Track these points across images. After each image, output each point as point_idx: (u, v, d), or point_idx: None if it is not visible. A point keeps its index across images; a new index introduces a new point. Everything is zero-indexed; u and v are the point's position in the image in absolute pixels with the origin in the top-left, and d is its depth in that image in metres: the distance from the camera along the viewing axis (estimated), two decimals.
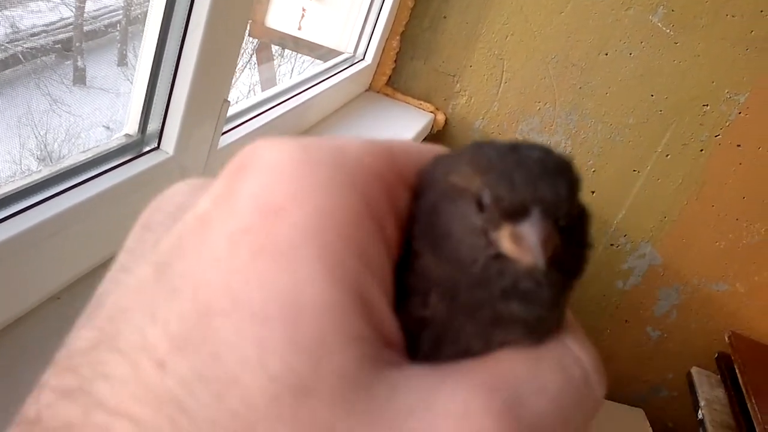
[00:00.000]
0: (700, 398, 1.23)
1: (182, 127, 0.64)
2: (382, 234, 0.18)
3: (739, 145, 1.21)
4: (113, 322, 0.17)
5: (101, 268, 0.58)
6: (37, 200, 0.51)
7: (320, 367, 0.15)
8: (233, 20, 0.65)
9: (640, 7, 1.17)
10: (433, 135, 1.31)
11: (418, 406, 0.16)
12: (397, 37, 1.28)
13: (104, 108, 1.52)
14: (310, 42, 1.27)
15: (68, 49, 1.44)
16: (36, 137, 1.42)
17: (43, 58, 1.34)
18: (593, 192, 1.30)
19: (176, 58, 0.62)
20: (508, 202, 0.17)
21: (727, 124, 1.20)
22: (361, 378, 0.15)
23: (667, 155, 1.25)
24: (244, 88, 1.79)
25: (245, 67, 1.72)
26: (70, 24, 1.44)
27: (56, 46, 1.38)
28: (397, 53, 1.30)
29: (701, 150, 1.23)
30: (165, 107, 0.64)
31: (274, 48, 1.55)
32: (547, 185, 0.17)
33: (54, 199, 0.52)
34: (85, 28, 1.52)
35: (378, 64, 1.30)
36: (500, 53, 1.25)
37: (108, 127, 1.51)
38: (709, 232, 1.29)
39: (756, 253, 1.28)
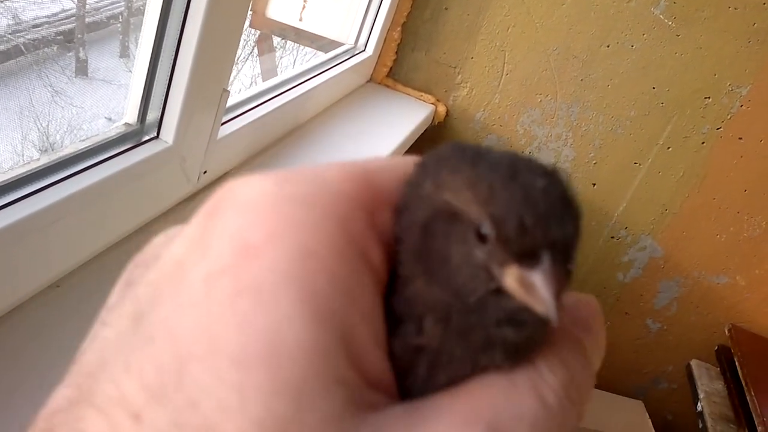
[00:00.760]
0: (699, 391, 1.23)
1: (181, 116, 0.65)
2: (366, 264, 0.17)
3: (740, 138, 1.21)
4: (91, 377, 0.16)
5: (101, 256, 0.59)
6: (36, 188, 0.51)
7: (302, 412, 0.14)
8: (232, 8, 0.65)
9: None
10: (434, 127, 1.31)
11: None
12: (398, 29, 1.27)
13: (106, 99, 1.52)
14: (311, 33, 1.27)
15: (70, 41, 1.45)
16: (38, 128, 1.42)
17: (46, 49, 1.34)
18: (594, 184, 1.30)
19: (175, 47, 0.62)
20: (517, 246, 0.16)
21: (729, 116, 1.20)
22: (345, 422, 0.15)
23: (669, 148, 1.25)
24: (247, 80, 1.79)
25: (247, 58, 1.72)
26: (73, 15, 1.44)
27: (58, 37, 1.38)
28: (398, 44, 1.30)
29: (703, 143, 1.23)
30: (164, 96, 0.64)
31: (276, 39, 1.55)
32: (557, 225, 0.17)
33: (53, 187, 0.52)
34: (87, 19, 1.52)
35: (379, 55, 1.29)
36: (501, 45, 1.25)
37: (110, 119, 1.52)
38: (710, 224, 1.28)
39: (757, 246, 1.28)
